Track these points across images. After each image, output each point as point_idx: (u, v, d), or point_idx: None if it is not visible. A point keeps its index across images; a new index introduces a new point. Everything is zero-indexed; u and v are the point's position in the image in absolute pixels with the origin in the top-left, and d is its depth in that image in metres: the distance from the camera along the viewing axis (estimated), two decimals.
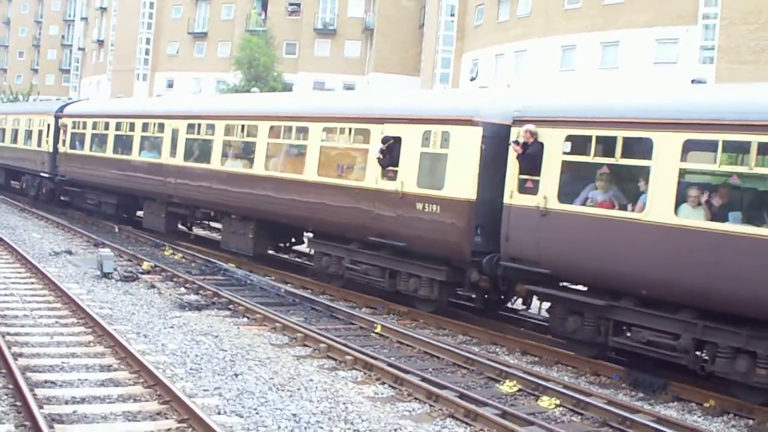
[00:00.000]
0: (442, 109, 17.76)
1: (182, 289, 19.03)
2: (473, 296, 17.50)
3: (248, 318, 16.36)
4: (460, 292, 17.91)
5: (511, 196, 15.10)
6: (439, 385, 11.97)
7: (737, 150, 12.43)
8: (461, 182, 16.24)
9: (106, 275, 19.48)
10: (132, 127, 29.21)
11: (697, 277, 12.31)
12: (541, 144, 14.62)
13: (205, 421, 9.18)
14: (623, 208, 13.56)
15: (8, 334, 13.07)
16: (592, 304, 13.92)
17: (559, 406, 11.74)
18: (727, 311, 12.15)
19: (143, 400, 10.37)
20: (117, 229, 29.08)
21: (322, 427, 9.93)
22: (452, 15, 61.19)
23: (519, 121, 15.09)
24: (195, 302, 17.39)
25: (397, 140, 17.69)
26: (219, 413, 10.12)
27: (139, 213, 30.03)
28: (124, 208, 30.96)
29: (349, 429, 9.98)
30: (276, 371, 12.42)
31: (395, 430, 10.13)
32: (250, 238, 22.77)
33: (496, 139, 15.76)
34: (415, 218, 17.08)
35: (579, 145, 14.29)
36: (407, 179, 17.32)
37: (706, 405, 12.27)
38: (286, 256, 24.88)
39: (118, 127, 30.36)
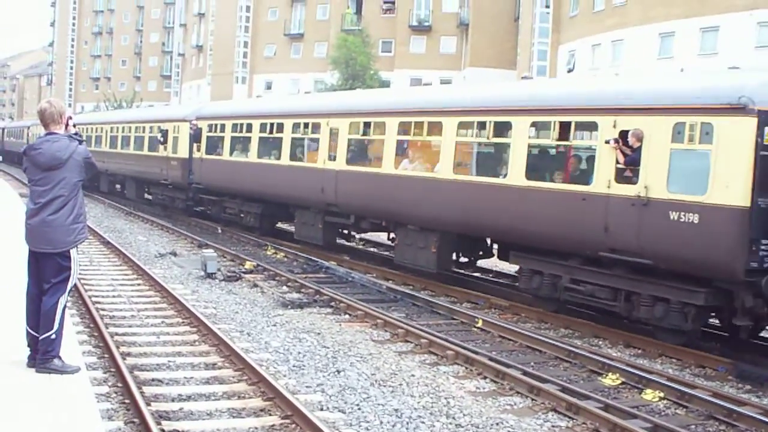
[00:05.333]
0: (183, 114, 34.60)
1: (284, 287, 19.29)
2: None
3: (350, 315, 16.50)
4: None
5: (195, 152, 31.47)
6: (541, 379, 11.90)
7: None
8: (182, 149, 32.99)
9: (209, 275, 19.86)
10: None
11: (239, 183, 28.60)
12: (200, 128, 31.27)
13: (308, 417, 9.28)
14: (219, 154, 30.04)
15: (116, 334, 13.44)
16: (217, 201, 30.85)
17: (663, 399, 11.56)
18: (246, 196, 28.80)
19: (247, 397, 10.53)
20: (220, 230, 29.66)
21: (423, 422, 9.96)
22: (547, 6, 60.24)
23: (197, 118, 32.07)
24: (297, 300, 17.59)
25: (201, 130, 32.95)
26: (322, 409, 10.23)
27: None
28: None
29: (450, 424, 10.00)
30: (378, 367, 12.51)
31: (497, 424, 10.10)
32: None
33: (195, 128, 31.91)
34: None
35: (213, 128, 30.88)
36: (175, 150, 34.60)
37: None
38: (387, 253, 24.97)
39: None
